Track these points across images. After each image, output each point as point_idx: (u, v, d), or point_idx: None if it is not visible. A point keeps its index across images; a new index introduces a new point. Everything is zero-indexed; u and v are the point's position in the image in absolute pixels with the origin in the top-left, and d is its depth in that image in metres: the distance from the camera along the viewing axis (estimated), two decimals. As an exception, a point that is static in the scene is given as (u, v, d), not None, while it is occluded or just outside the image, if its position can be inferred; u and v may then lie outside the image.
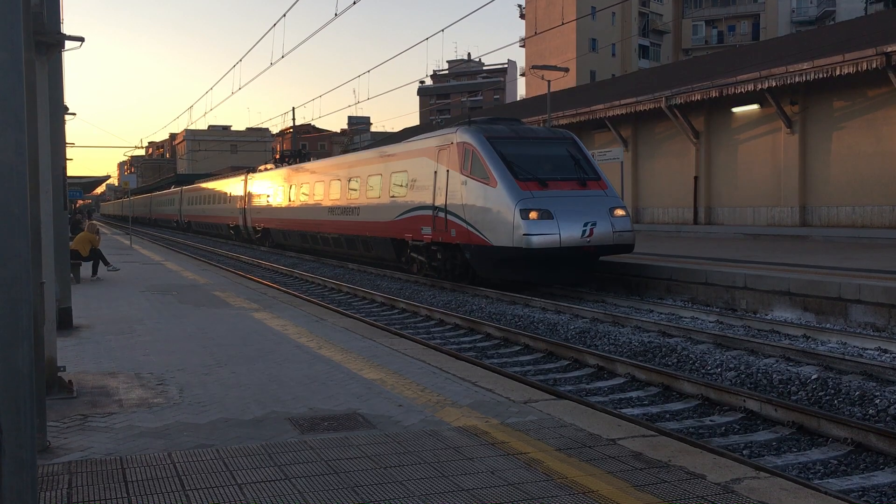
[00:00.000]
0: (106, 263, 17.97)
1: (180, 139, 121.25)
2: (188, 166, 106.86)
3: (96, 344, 8.80)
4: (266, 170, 36.09)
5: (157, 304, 12.44)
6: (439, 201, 17.63)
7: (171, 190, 66.91)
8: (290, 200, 30.38)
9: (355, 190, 23.34)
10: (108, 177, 75.68)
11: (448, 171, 17.39)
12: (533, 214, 15.09)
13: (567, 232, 15.09)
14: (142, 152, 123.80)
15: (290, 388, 6.52)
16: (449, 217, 17.17)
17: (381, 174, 21.52)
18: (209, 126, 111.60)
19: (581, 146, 17.68)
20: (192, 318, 10.88)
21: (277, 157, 37.87)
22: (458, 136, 17.26)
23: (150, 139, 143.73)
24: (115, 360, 7.86)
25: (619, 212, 16.00)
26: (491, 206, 15.80)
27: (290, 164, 33.90)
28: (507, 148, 16.48)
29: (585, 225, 15.24)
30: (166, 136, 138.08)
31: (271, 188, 33.48)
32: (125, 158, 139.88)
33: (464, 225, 16.57)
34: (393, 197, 20.37)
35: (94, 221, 23.26)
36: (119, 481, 4.30)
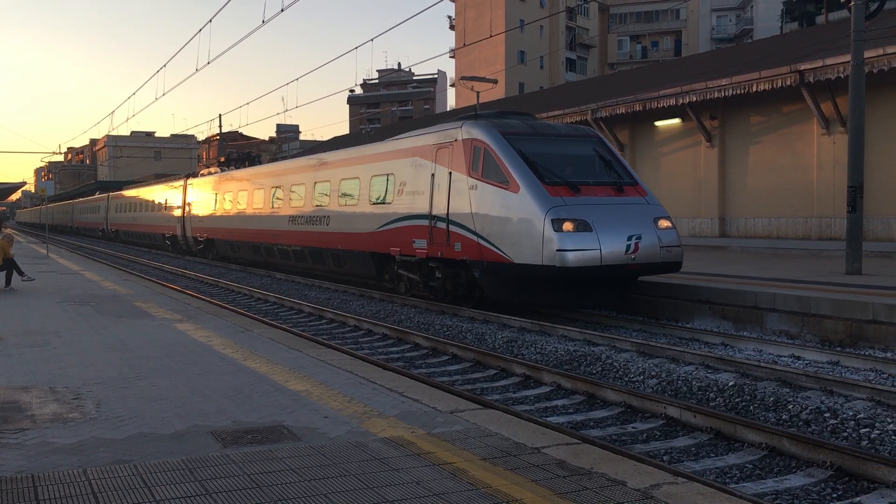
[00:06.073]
0: (20, 273, 17.30)
1: (101, 145, 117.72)
2: (109, 173, 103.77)
3: (8, 357, 8.46)
4: (210, 174, 32.95)
5: (75, 316, 12.04)
6: (439, 209, 14.97)
7: (97, 196, 63.39)
8: (239, 207, 27.11)
9: (325, 195, 20.32)
10: (24, 183, 72.94)
11: (451, 173, 14.77)
12: (567, 226, 12.48)
13: (609, 247, 12.50)
14: (60, 158, 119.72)
15: (213, 401, 6.39)
16: (452, 228, 14.53)
17: (358, 177, 18.61)
18: (132, 132, 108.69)
19: (609, 146, 15.16)
20: (111, 329, 10.57)
21: (223, 159, 35.07)
22: (465, 131, 14.64)
23: (68, 145, 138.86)
24: (29, 373, 7.57)
25: (665, 223, 13.51)
26: (511, 214, 13.19)
27: (238, 168, 31.19)
28: (528, 146, 13.93)
29: (630, 239, 12.72)
30: (86, 142, 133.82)
31: (217, 194, 30.03)
32: (42, 164, 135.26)
33: (472, 237, 13.95)
34: (375, 204, 17.58)
35: (8, 230, 22.38)
36: (31, 500, 4.14)
